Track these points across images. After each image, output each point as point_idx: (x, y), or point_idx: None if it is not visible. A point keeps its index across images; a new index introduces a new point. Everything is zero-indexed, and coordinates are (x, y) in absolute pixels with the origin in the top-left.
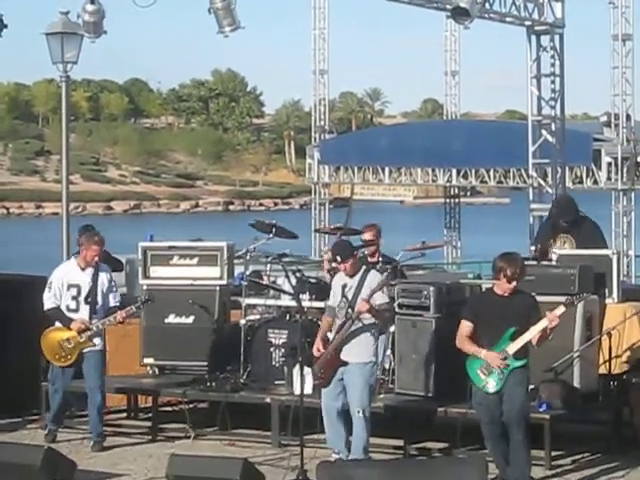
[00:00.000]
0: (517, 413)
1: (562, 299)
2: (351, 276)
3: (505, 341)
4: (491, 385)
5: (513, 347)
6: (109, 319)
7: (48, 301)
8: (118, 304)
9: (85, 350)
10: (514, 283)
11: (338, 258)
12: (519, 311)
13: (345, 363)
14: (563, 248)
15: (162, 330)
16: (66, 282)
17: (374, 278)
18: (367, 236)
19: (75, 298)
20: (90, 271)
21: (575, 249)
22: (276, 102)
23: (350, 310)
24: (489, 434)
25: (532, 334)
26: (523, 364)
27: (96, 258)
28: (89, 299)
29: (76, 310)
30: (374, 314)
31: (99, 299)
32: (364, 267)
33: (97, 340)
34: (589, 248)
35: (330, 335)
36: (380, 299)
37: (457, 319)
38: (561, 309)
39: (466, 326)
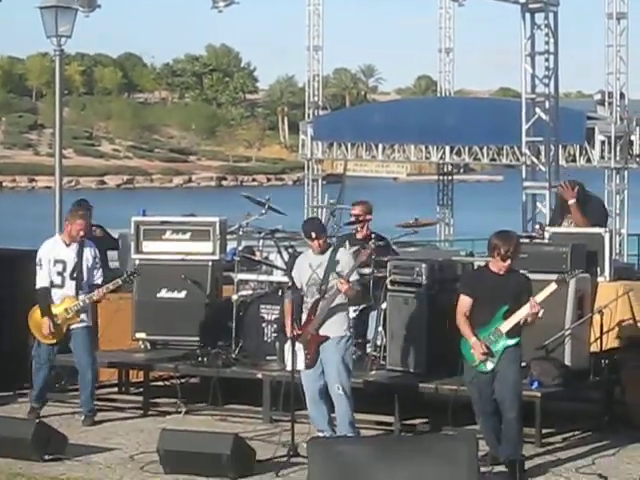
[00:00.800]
0: (510, 391)
1: (554, 277)
2: (320, 254)
3: (498, 320)
4: (484, 364)
5: (506, 325)
6: (92, 296)
7: (41, 280)
8: (100, 282)
9: (72, 326)
10: (508, 261)
11: (313, 234)
12: (512, 289)
13: (327, 338)
14: (570, 227)
15: (154, 305)
16: (52, 258)
17: (343, 254)
18: (356, 211)
19: (60, 274)
20: (75, 247)
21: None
22: (270, 78)
23: (324, 287)
24: (480, 411)
25: (523, 314)
26: (516, 342)
27: (81, 232)
28: (74, 275)
29: (61, 286)
30: (351, 292)
31: (84, 275)
32: (333, 245)
33: (83, 316)
34: (595, 226)
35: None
36: (352, 276)
37: (449, 296)
38: (552, 286)
39: (466, 301)
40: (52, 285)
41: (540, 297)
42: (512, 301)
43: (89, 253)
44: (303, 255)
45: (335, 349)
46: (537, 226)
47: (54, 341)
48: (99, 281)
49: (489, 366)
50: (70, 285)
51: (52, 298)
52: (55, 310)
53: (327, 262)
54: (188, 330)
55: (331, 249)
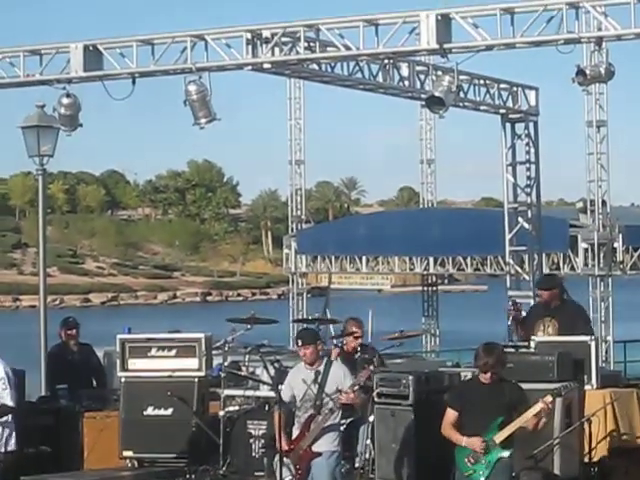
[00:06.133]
0: None
1: (541, 386)
2: (310, 365)
3: (493, 430)
4: (477, 474)
5: (500, 436)
6: None
7: None
8: (12, 404)
9: None
10: (488, 374)
11: (299, 342)
12: (506, 400)
13: (319, 454)
14: (547, 332)
15: (141, 422)
16: None
17: (338, 369)
18: (354, 328)
19: None
20: None
21: (558, 332)
22: (253, 192)
23: (319, 403)
24: None
25: (521, 422)
26: (510, 453)
27: None
28: None
29: None
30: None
31: None
32: (325, 359)
33: None
34: (572, 331)
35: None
36: (355, 386)
37: (436, 407)
38: (549, 398)
39: (451, 414)
40: None
41: (534, 410)
42: (506, 412)
43: None
44: (296, 369)
45: (326, 464)
46: (510, 303)
47: None
48: (11, 403)
49: (482, 476)
50: None
51: None
52: None
53: (321, 377)
54: (175, 447)
55: (324, 363)
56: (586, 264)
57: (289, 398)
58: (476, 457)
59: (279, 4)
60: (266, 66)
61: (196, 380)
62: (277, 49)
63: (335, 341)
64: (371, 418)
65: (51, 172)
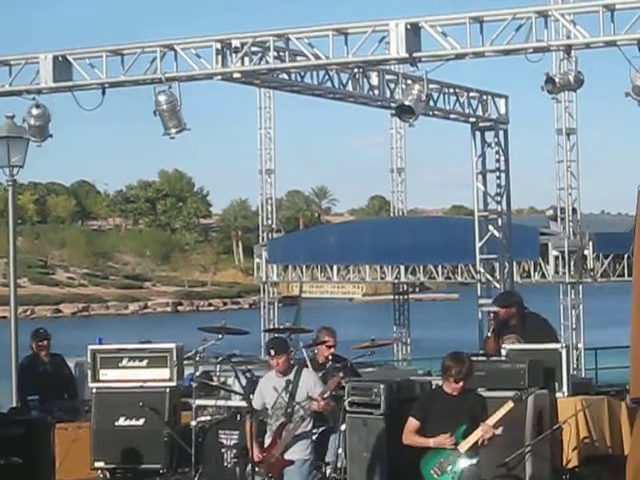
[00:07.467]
0: None
1: (512, 394)
2: (282, 374)
3: (457, 439)
4: None
5: (464, 445)
6: None
7: None
8: None
9: None
10: (461, 383)
11: (271, 352)
12: (469, 409)
13: (291, 462)
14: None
15: (112, 433)
16: None
17: (309, 376)
18: (327, 338)
19: None
20: None
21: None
22: (223, 202)
23: (290, 411)
24: None
25: (481, 433)
26: (476, 461)
27: None
28: None
29: None
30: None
31: None
32: (296, 366)
33: None
34: (537, 343)
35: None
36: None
37: (408, 416)
38: (509, 405)
39: (412, 423)
40: None
41: (497, 416)
42: (469, 421)
43: None
44: (267, 377)
45: (298, 472)
46: (492, 315)
47: None
48: None
49: None
50: None
51: None
52: None
53: (292, 385)
54: (147, 457)
55: (295, 370)
56: (557, 272)
57: (260, 407)
58: (442, 468)
59: (248, 14)
60: (236, 76)
61: (167, 390)
62: (247, 59)
63: (306, 350)
64: (343, 427)
65: (21, 183)
